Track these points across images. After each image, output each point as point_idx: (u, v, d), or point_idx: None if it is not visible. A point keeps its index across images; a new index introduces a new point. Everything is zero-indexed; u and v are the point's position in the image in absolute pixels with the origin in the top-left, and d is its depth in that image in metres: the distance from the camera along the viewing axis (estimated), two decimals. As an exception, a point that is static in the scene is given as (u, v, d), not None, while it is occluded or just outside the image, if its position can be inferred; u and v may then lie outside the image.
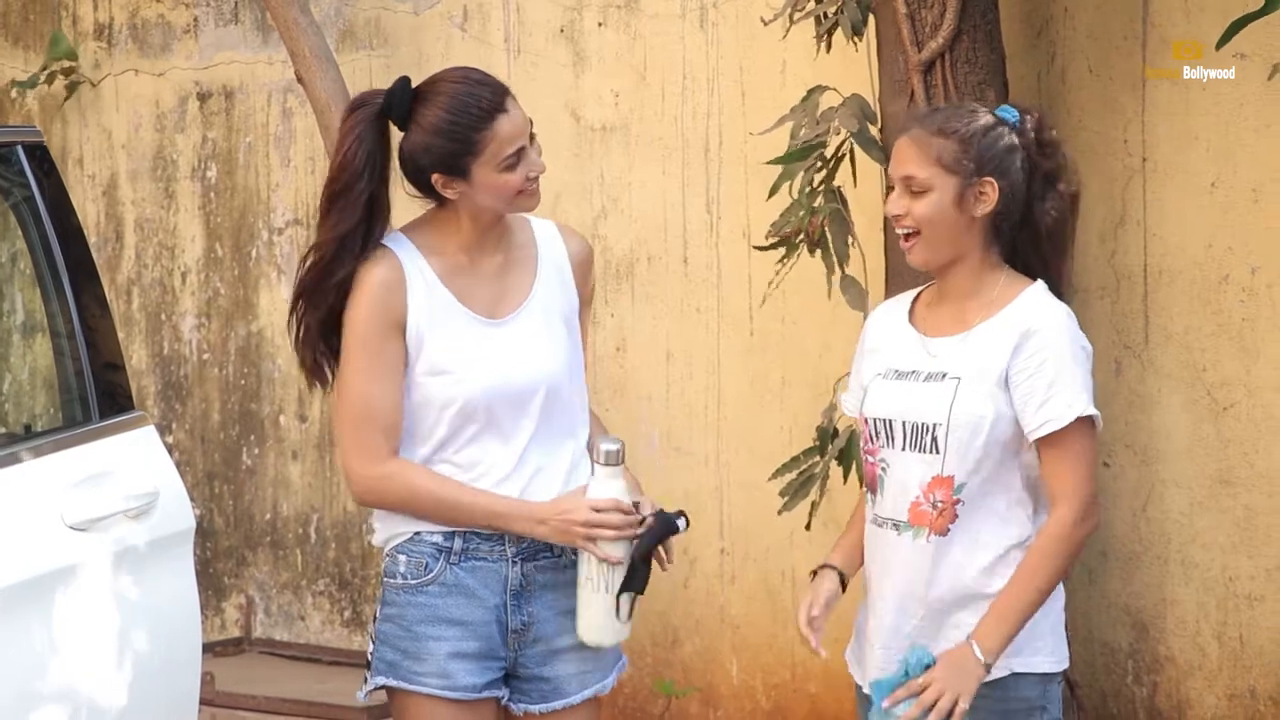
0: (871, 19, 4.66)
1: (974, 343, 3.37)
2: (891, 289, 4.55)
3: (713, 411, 5.47)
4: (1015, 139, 3.40)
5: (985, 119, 3.42)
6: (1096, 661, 4.59)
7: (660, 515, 3.48)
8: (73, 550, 3.42)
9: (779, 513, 4.76)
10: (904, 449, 3.39)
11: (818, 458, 4.62)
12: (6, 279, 6.51)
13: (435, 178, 3.46)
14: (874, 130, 4.62)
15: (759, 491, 5.09)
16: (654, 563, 3.50)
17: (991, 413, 3.31)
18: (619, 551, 3.46)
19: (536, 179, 3.49)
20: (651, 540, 3.46)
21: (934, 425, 3.33)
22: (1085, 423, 3.30)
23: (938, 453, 3.33)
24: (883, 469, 3.42)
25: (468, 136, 3.40)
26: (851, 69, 4.79)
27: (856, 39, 4.67)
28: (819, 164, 4.60)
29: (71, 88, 6.53)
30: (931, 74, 4.51)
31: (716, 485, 5.47)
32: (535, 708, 3.56)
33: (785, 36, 4.88)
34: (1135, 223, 4.77)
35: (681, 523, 3.50)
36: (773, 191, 4.66)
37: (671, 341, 5.53)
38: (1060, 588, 3.41)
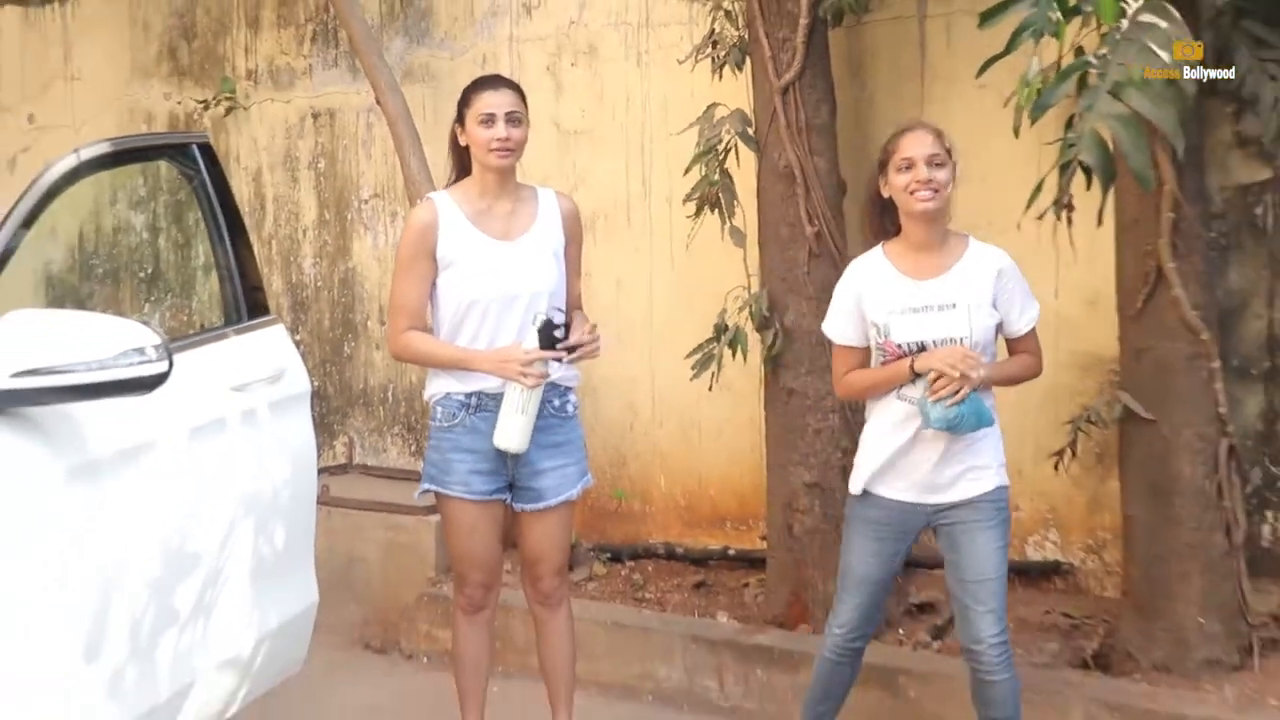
0: (748, 59, 4.67)
1: (955, 280, 3.36)
2: (763, 235, 4.59)
3: (647, 318, 5.47)
4: None
5: None
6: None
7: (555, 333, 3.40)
8: (233, 403, 3.39)
9: (690, 380, 4.77)
10: None
11: (715, 344, 4.67)
12: (193, 235, 6.51)
13: (457, 126, 3.52)
14: (750, 131, 4.62)
15: (678, 369, 5.11)
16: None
17: (992, 323, 3.35)
18: (533, 381, 3.40)
19: (505, 144, 3.45)
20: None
21: (961, 338, 3.32)
22: None
23: None
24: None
25: (468, 96, 3.51)
26: (736, 91, 4.80)
27: (738, 70, 4.70)
28: (715, 155, 4.62)
29: (230, 110, 6.50)
30: (788, 95, 4.50)
31: (650, 366, 5.48)
32: (528, 506, 3.59)
33: (693, 71, 4.92)
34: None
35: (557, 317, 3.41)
36: (686, 171, 4.68)
37: (620, 272, 5.52)
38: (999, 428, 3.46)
